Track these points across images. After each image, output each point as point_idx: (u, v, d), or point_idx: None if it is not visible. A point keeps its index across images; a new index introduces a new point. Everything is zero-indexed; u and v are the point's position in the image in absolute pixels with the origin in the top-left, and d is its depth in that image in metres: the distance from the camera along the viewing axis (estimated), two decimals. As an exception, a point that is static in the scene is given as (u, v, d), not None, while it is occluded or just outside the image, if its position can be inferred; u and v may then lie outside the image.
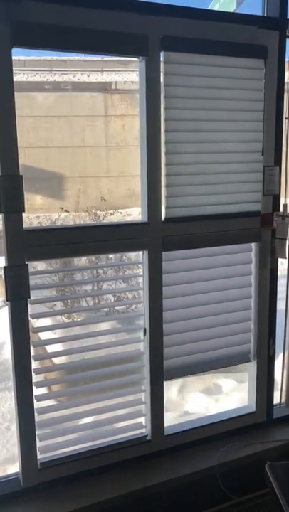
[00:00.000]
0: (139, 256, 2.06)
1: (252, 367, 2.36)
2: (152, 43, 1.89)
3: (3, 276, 1.78)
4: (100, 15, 1.80)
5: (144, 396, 2.12)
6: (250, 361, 2.34)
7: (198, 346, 2.18)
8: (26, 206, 1.78)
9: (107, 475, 2.03)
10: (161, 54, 1.92)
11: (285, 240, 2.23)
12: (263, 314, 2.31)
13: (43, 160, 7.44)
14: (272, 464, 1.82)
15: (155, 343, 2.07)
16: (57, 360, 2.32)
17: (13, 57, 1.69)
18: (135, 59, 1.95)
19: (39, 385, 1.91)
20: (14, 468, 2.02)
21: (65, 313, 4.00)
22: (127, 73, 7.87)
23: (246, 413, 2.38)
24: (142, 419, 2.14)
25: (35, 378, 1.88)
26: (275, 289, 2.33)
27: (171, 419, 2.82)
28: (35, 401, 1.88)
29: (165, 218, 2.03)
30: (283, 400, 2.49)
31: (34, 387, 1.87)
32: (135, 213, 5.57)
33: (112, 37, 1.83)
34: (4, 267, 1.78)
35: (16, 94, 1.70)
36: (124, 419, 2.12)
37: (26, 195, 1.77)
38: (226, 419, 2.32)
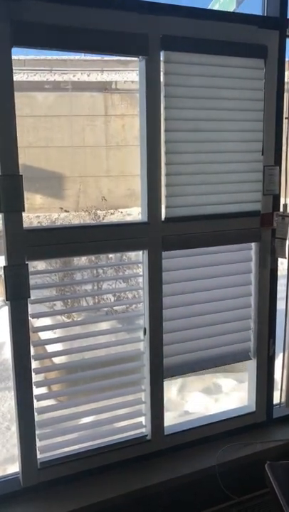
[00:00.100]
0: (139, 255, 2.06)
1: (252, 366, 2.36)
2: (152, 43, 1.89)
3: (3, 276, 1.78)
4: (100, 14, 1.80)
5: (144, 396, 2.12)
6: (251, 359, 2.34)
7: (199, 344, 2.18)
8: (26, 206, 1.78)
9: (107, 474, 2.03)
10: (161, 53, 1.92)
11: (285, 239, 2.23)
12: (263, 313, 2.31)
13: (43, 160, 7.43)
14: (272, 463, 1.82)
15: (155, 342, 2.07)
16: (57, 360, 2.32)
17: (13, 57, 1.69)
18: (135, 58, 1.95)
19: (39, 384, 1.91)
20: (14, 467, 2.02)
21: (65, 312, 4.00)
22: (127, 73, 7.86)
23: (246, 413, 2.38)
24: (142, 419, 2.14)
25: (35, 378, 1.88)
26: (275, 289, 2.33)
27: (171, 418, 2.82)
28: (35, 401, 1.88)
29: (165, 218, 2.03)
30: (283, 399, 2.49)
31: (34, 387, 1.87)
32: (135, 213, 5.57)
33: (112, 36, 1.83)
34: (4, 267, 1.78)
35: (16, 94, 1.70)
36: (124, 418, 2.12)
37: (26, 195, 1.77)
38: (225, 419, 2.32)
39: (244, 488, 2.19)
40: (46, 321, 2.27)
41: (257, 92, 2.14)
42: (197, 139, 2.04)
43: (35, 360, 1.90)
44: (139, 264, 2.08)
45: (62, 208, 6.01)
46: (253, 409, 2.38)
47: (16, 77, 1.72)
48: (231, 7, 2.38)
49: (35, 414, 1.89)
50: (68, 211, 5.83)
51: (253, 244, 2.26)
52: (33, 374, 1.86)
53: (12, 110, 1.70)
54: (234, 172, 2.14)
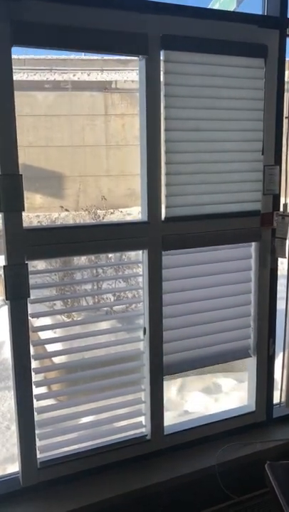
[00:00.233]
0: (139, 255, 2.06)
1: (252, 366, 2.36)
2: (152, 42, 1.89)
3: (2, 276, 1.78)
4: (100, 14, 1.79)
5: (144, 395, 2.12)
6: (251, 357, 2.33)
7: (199, 342, 2.18)
8: (26, 205, 1.77)
9: (107, 474, 2.03)
10: (161, 53, 1.92)
11: (285, 239, 2.23)
12: (263, 312, 2.31)
13: (43, 159, 7.43)
14: (272, 463, 1.82)
15: (155, 342, 2.07)
16: (57, 360, 2.32)
17: (13, 56, 1.69)
18: (135, 58, 1.94)
19: (39, 384, 1.91)
20: (14, 467, 2.03)
21: (65, 312, 3.99)
22: (127, 72, 7.86)
23: (246, 412, 2.38)
24: (142, 419, 2.14)
25: (35, 377, 1.88)
26: (275, 288, 2.33)
27: (170, 418, 2.82)
28: (34, 400, 1.88)
29: (165, 217, 2.03)
30: (283, 399, 2.49)
31: (34, 387, 1.87)
32: (135, 212, 5.57)
33: (111, 36, 1.82)
34: (4, 266, 1.78)
35: (16, 93, 1.70)
36: (124, 418, 2.12)
37: (26, 195, 1.77)
38: (225, 419, 2.32)
39: (244, 487, 2.19)
40: (46, 321, 2.27)
41: (257, 91, 2.13)
42: (197, 138, 2.04)
43: (35, 359, 1.90)
44: (139, 264, 2.08)
45: (62, 208, 6.01)
46: (253, 408, 2.38)
47: (16, 77, 1.72)
48: (231, 6, 2.38)
49: (35, 413, 1.89)
50: (68, 210, 5.83)
51: (252, 245, 2.26)
52: (32, 373, 1.86)
53: (12, 109, 1.70)
54: (234, 171, 2.14)
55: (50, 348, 2.19)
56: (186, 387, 4.11)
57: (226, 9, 2.38)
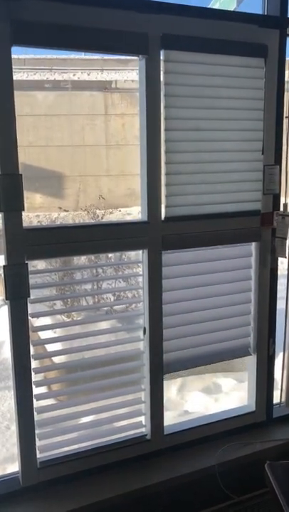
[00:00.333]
0: (139, 255, 2.06)
1: (252, 366, 2.36)
2: (152, 42, 1.88)
3: (2, 275, 1.78)
4: (100, 13, 1.79)
5: (144, 395, 2.12)
6: (251, 355, 2.33)
7: (199, 340, 2.18)
8: (26, 205, 1.77)
9: (107, 474, 2.03)
10: (161, 52, 1.91)
11: (285, 239, 2.22)
12: (263, 312, 2.31)
13: (43, 159, 7.43)
14: (272, 463, 1.82)
15: (155, 342, 2.07)
16: (56, 359, 2.32)
17: (13, 56, 1.69)
18: (135, 57, 1.94)
19: (39, 384, 1.91)
20: (14, 467, 2.02)
21: (65, 312, 3.99)
22: (127, 72, 7.86)
23: (246, 412, 2.38)
24: (142, 419, 2.14)
25: (35, 377, 1.88)
26: (275, 288, 2.32)
27: (170, 418, 2.83)
28: (34, 400, 1.88)
29: (165, 217, 2.02)
30: (283, 399, 2.49)
31: (34, 386, 1.87)
32: (135, 212, 5.58)
33: (111, 35, 1.82)
34: (4, 266, 1.78)
35: (16, 93, 1.69)
36: (124, 418, 2.12)
37: (26, 194, 1.76)
38: (225, 419, 2.32)
39: (244, 487, 2.19)
40: (46, 321, 2.27)
41: (257, 91, 2.13)
42: (197, 138, 2.04)
43: (35, 359, 1.89)
44: (139, 264, 2.08)
45: (62, 208, 6.02)
46: (253, 408, 2.38)
47: (16, 76, 1.72)
48: (232, 6, 2.38)
49: (35, 413, 1.88)
50: (68, 210, 5.83)
51: (252, 245, 2.26)
52: (32, 373, 1.86)
53: (12, 109, 1.70)
54: (234, 171, 2.14)
55: (50, 347, 2.19)
56: (186, 387, 4.11)
57: (226, 9, 2.38)
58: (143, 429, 2.14)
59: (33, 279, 1.83)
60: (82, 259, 3.99)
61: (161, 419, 2.14)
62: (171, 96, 1.95)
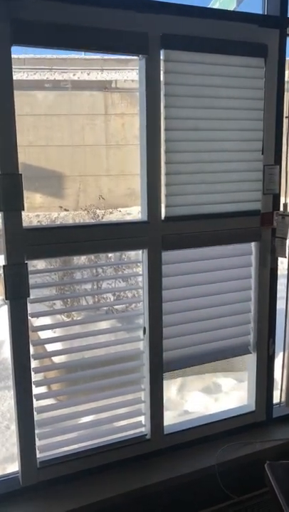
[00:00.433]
0: (139, 255, 2.06)
1: (251, 366, 2.36)
2: (152, 41, 1.88)
3: (2, 275, 1.78)
4: (100, 13, 1.79)
5: (144, 395, 2.12)
6: (250, 353, 2.33)
7: (199, 338, 2.18)
8: (26, 205, 1.77)
9: (107, 474, 2.03)
10: (161, 52, 1.91)
11: (285, 239, 2.22)
12: (263, 312, 2.31)
13: (43, 159, 7.43)
14: (272, 463, 1.82)
15: (155, 341, 2.07)
16: (56, 359, 2.32)
17: (13, 56, 1.69)
18: (135, 57, 1.94)
19: (38, 383, 1.91)
20: (13, 467, 2.02)
21: (65, 312, 3.99)
22: (127, 72, 7.86)
23: (246, 412, 2.38)
24: (142, 418, 2.14)
25: (35, 377, 1.88)
26: (275, 288, 2.32)
27: (170, 418, 2.83)
28: (34, 400, 1.88)
29: (165, 217, 2.02)
30: (283, 399, 2.49)
31: (33, 386, 1.87)
32: (135, 212, 5.58)
33: (111, 35, 1.82)
34: (4, 266, 1.78)
35: (16, 93, 1.69)
36: (124, 418, 2.12)
37: (26, 194, 1.76)
38: (225, 419, 2.32)
39: (244, 487, 2.19)
40: (46, 320, 2.27)
41: (257, 91, 2.13)
42: (197, 137, 2.04)
43: (35, 359, 1.89)
44: (139, 264, 2.08)
45: (62, 207, 6.02)
46: (253, 408, 2.38)
47: (16, 76, 1.72)
48: (232, 6, 2.38)
49: (35, 413, 1.88)
50: (68, 210, 5.83)
51: (252, 244, 2.26)
52: (32, 373, 1.86)
53: (12, 109, 1.70)
54: (234, 171, 2.14)
55: (50, 347, 2.19)
56: (186, 386, 4.11)
57: (226, 8, 2.38)
58: (143, 429, 2.14)
59: (32, 279, 1.83)
60: (82, 259, 3.99)
61: (161, 419, 2.14)
62: (171, 96, 1.95)
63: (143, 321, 2.07)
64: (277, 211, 2.26)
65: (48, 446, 1.95)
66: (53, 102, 7.70)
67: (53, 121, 7.64)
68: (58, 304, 3.67)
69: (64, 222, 5.34)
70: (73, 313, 3.84)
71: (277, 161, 2.23)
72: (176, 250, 2.08)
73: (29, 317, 1.84)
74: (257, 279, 2.27)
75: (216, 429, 2.28)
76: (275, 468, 1.80)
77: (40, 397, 1.91)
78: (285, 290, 2.45)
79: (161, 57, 1.92)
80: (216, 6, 2.45)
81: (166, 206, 2.01)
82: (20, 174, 1.74)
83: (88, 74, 7.87)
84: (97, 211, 5.16)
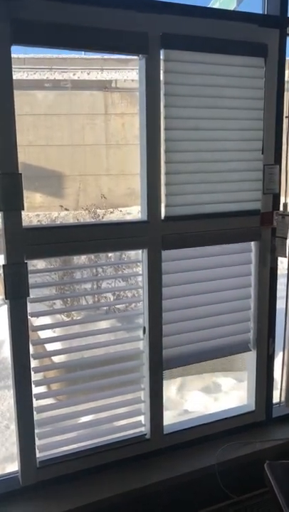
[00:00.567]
0: (139, 254, 2.06)
1: (251, 365, 2.36)
2: (152, 41, 1.88)
3: (2, 275, 1.78)
4: (100, 12, 1.79)
5: (144, 394, 2.12)
6: (250, 351, 2.33)
7: (198, 335, 2.18)
8: (26, 204, 1.77)
9: (106, 474, 2.03)
10: (161, 52, 1.91)
11: (285, 238, 2.22)
12: (263, 311, 2.31)
13: (43, 158, 7.43)
14: (272, 463, 1.82)
15: (154, 341, 2.07)
16: (56, 359, 2.33)
17: (13, 55, 1.69)
18: (135, 57, 1.94)
19: (38, 383, 1.91)
20: (13, 466, 2.03)
21: (65, 311, 3.98)
22: (127, 71, 7.86)
23: (245, 412, 2.38)
24: (141, 418, 2.14)
25: (35, 377, 1.88)
26: (274, 288, 2.32)
27: (170, 417, 2.83)
28: (34, 399, 1.88)
29: (165, 217, 2.02)
30: (283, 398, 2.49)
31: (33, 386, 1.87)
32: (135, 212, 5.57)
33: (111, 35, 1.82)
34: (3, 265, 1.78)
35: (16, 93, 1.69)
36: (124, 417, 2.12)
37: (26, 194, 1.76)
38: (225, 418, 2.32)
39: (243, 487, 2.19)
40: (45, 320, 2.27)
41: (257, 90, 2.13)
42: (197, 137, 2.04)
43: (35, 358, 1.90)
44: (139, 263, 2.08)
45: (62, 207, 6.01)
46: (253, 408, 2.38)
47: (16, 76, 1.72)
48: (232, 5, 2.38)
49: (35, 412, 1.88)
50: (68, 210, 5.83)
51: (252, 244, 2.26)
52: (32, 373, 1.86)
53: (11, 109, 1.70)
54: (234, 171, 2.14)
55: (50, 347, 2.19)
56: (185, 386, 4.11)
57: (226, 8, 2.38)
58: (142, 429, 2.14)
59: (32, 279, 1.83)
60: (82, 259, 3.99)
61: (160, 419, 2.14)
62: (171, 95, 1.95)
63: (143, 320, 2.07)
64: (277, 211, 2.26)
65: (48, 445, 1.95)
66: (53, 101, 7.70)
67: (52, 121, 7.64)
68: (58, 304, 3.67)
69: (64, 222, 5.34)
70: (73, 312, 3.83)
71: (277, 160, 2.23)
72: (176, 250, 2.08)
73: (29, 317, 1.84)
74: (257, 278, 2.28)
75: (215, 428, 2.28)
76: (275, 468, 1.80)
77: (39, 396, 1.91)
78: (285, 290, 2.45)
79: (161, 57, 1.92)
80: (216, 6, 2.45)
81: (166, 206, 2.01)
82: (20, 174, 1.74)
83: (88, 73, 7.87)
84: (98, 211, 5.16)
